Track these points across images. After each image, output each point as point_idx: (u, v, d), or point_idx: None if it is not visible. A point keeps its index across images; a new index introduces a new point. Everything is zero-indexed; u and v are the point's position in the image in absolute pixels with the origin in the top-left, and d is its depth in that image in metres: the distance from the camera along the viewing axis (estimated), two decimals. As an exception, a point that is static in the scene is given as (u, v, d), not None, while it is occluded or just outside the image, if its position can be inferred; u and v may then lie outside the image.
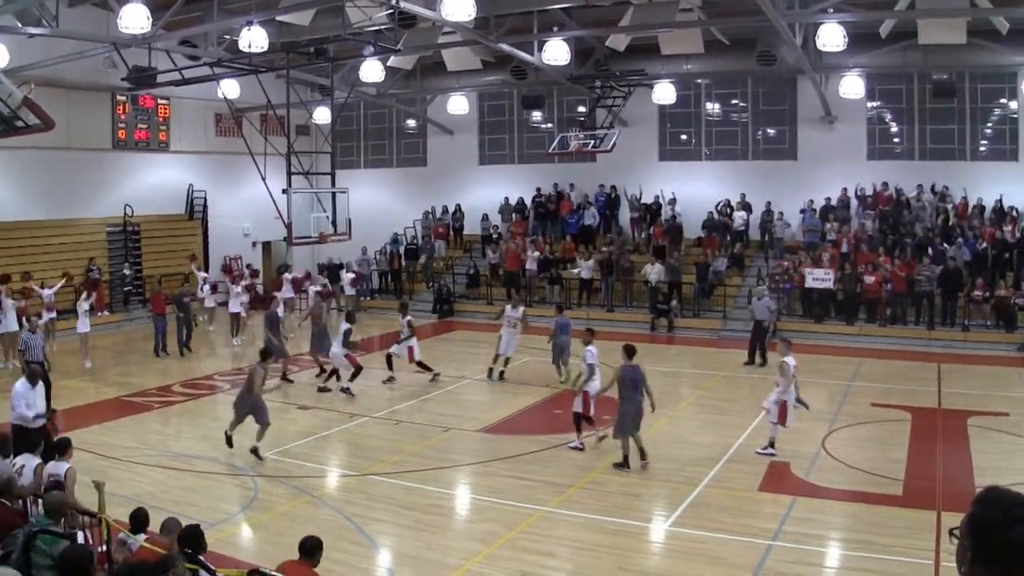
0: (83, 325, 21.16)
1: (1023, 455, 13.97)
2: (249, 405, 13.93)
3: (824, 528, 10.95)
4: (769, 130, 29.96)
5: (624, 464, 13.17)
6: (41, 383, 12.21)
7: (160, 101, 30.27)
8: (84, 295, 21.76)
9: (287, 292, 27.01)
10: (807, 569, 9.73)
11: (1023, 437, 14.81)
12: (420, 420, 16.52)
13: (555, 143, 28.04)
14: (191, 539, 7.19)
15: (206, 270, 29.85)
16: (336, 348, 18.33)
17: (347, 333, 18.19)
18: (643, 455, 13.24)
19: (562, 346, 18.99)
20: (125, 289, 28.77)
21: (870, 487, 12.29)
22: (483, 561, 9.97)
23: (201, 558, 7.08)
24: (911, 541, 10.26)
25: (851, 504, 11.70)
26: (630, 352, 13.46)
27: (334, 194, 22.51)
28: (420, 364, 19.44)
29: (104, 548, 8.10)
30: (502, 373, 19.94)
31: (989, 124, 27.14)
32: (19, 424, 11.62)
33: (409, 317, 19.80)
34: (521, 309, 20.35)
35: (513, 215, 32.42)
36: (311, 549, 7.59)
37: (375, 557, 10.32)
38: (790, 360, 13.80)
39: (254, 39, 20.34)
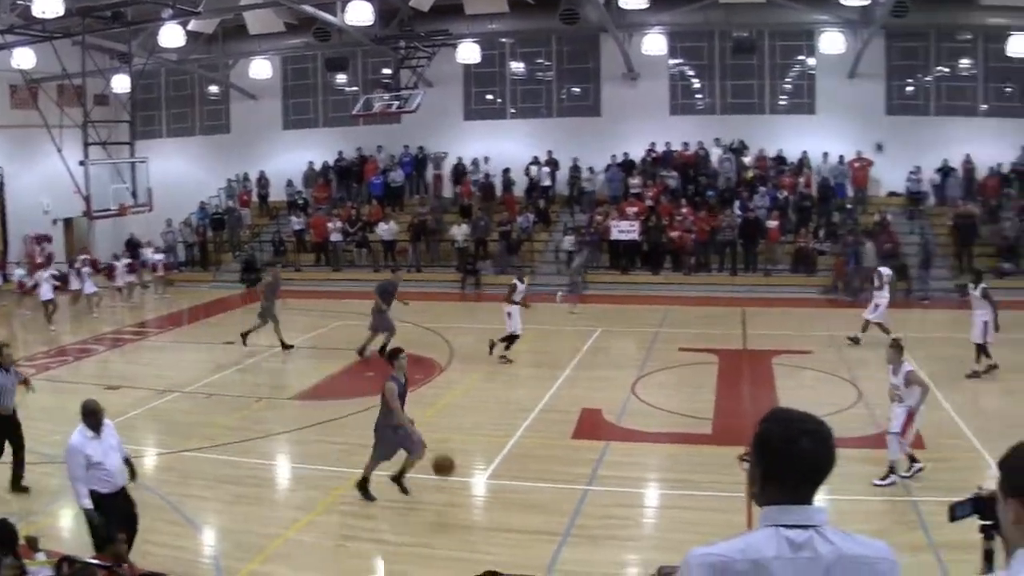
0: None
1: (827, 389, 14.51)
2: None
3: (639, 470, 11.11)
4: (574, 88, 30.18)
5: None
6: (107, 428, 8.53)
7: (-54, 72, 27.48)
8: None
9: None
10: (624, 511, 9.82)
11: (826, 373, 15.46)
12: (232, 392, 15.82)
13: (359, 105, 27.38)
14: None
15: (3, 250, 27.84)
16: None
17: None
18: None
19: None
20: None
21: (681, 428, 12.55)
22: (303, 528, 9.81)
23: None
24: (722, 476, 10.36)
25: (663, 445, 11.93)
26: None
27: (133, 164, 22.10)
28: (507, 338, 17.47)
29: None
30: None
31: (788, 80, 28.22)
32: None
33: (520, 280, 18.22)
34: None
35: (317, 180, 31.58)
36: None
37: (195, 535, 9.93)
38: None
39: (48, 4, 19.38)
